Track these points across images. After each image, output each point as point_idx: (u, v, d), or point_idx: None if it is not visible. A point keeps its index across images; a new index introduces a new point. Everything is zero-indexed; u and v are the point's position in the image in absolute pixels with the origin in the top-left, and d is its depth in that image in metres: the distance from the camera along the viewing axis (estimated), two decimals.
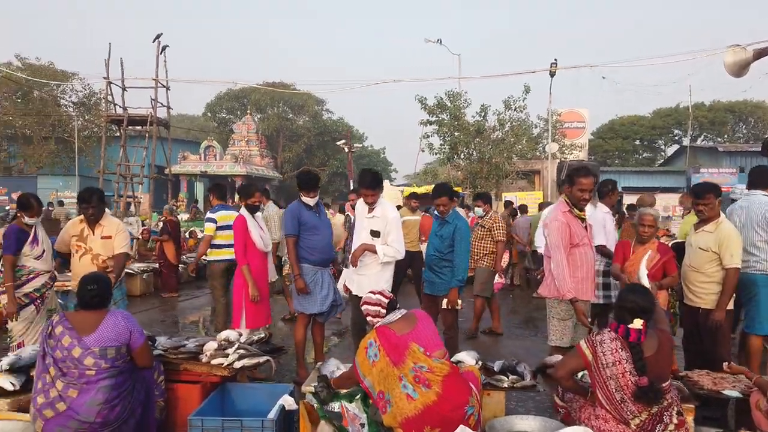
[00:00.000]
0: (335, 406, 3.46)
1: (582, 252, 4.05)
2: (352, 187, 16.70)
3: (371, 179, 4.70)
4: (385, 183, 23.37)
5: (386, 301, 3.55)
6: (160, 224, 13.87)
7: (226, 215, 6.36)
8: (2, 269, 4.60)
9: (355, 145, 31.82)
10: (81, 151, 26.41)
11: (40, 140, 27.91)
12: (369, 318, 3.56)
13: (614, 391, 2.98)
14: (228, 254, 6.24)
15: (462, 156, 25.32)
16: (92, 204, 4.73)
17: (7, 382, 3.46)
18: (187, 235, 13.02)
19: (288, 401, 3.57)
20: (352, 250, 4.98)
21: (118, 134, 24.42)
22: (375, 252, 4.65)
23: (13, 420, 3.35)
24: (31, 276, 4.61)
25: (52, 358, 3.13)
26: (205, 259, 6.54)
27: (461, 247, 4.93)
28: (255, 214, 5.15)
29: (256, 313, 4.94)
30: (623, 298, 3.13)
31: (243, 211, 5.06)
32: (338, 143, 29.09)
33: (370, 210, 4.76)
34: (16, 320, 4.52)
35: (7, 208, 22.65)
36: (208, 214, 6.54)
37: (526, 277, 11.28)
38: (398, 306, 3.60)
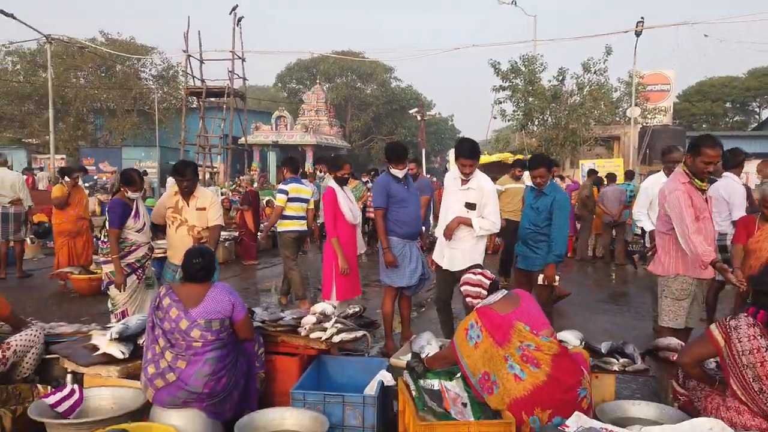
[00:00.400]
0: (434, 383, 3.37)
1: (702, 227, 3.71)
2: (424, 157, 16.43)
3: (471, 148, 4.47)
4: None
5: (488, 282, 3.40)
6: (229, 193, 14.27)
7: (298, 188, 6.72)
8: (106, 240, 4.76)
9: (417, 113, 31.36)
10: (160, 123, 27.49)
11: (123, 113, 29.27)
12: (469, 299, 3.42)
13: (751, 381, 2.71)
14: (297, 225, 6.69)
15: (536, 122, 24.44)
16: (187, 177, 4.82)
17: (117, 351, 3.57)
18: (264, 203, 13.30)
19: (386, 377, 3.51)
20: (441, 223, 4.83)
21: (194, 105, 25.18)
22: (470, 225, 4.46)
23: (125, 387, 3.46)
24: (132, 248, 4.76)
25: (161, 330, 3.19)
26: (275, 229, 6.83)
27: (560, 221, 4.67)
28: (343, 187, 5.06)
29: (346, 285, 4.92)
30: (762, 281, 2.82)
31: (332, 183, 5.01)
32: (411, 112, 28.76)
33: (465, 182, 4.55)
34: (124, 290, 4.70)
35: (95, 177, 23.99)
36: (280, 186, 6.89)
37: (610, 249, 10.78)
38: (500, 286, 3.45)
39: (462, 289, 3.46)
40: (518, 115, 24.37)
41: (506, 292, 3.43)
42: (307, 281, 6.97)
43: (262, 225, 10.65)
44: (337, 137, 32.33)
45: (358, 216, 5.09)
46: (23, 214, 8.04)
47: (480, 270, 3.50)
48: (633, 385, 4.27)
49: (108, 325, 4.46)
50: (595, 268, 10.29)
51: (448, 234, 4.48)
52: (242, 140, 21.39)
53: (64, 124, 28.65)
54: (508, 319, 3.17)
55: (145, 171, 21.97)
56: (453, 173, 4.82)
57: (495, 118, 25.00)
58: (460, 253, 4.55)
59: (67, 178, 7.50)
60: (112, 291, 4.76)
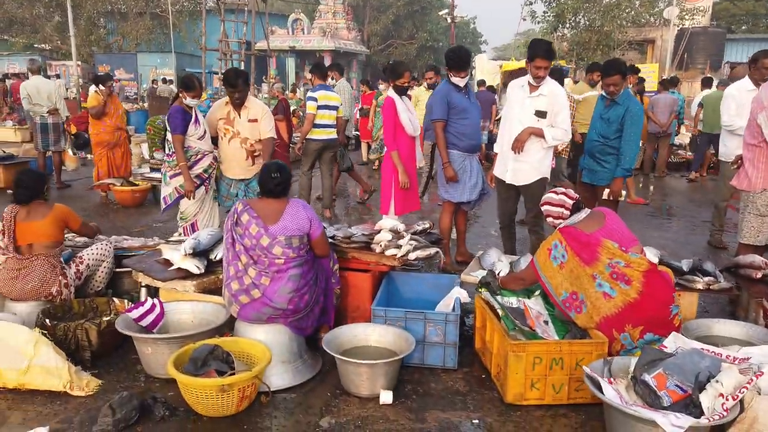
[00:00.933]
0: (512, 301, 3.34)
1: None
2: None
3: (548, 48, 4.18)
4: (483, 57, 22.00)
5: (571, 202, 3.29)
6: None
7: (326, 95, 6.63)
8: (170, 153, 4.62)
9: (447, 15, 29.80)
10: (174, 27, 26.45)
11: (134, 16, 28.13)
12: (550, 220, 3.32)
13: None
14: (324, 134, 6.68)
15: (568, 25, 23.23)
16: (238, 88, 4.60)
17: (193, 266, 3.56)
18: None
19: (462, 294, 3.49)
20: (503, 135, 4.61)
21: (208, 7, 23.94)
22: (541, 136, 4.25)
23: (203, 302, 3.48)
24: (198, 157, 4.63)
25: (243, 246, 3.13)
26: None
27: (631, 133, 4.43)
28: (403, 97, 4.80)
29: (404, 200, 4.80)
30: None
31: (391, 92, 4.74)
32: (441, 13, 27.41)
33: (534, 88, 4.28)
34: (194, 198, 4.62)
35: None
36: (309, 93, 6.81)
37: (652, 162, 10.50)
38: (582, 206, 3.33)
39: (543, 209, 3.35)
40: (549, 16, 23.15)
41: (589, 210, 3.33)
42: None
43: (294, 136, 10.44)
44: (355, 42, 31.06)
45: (418, 128, 4.88)
46: (61, 124, 7.89)
47: (562, 190, 3.38)
48: (701, 302, 4.21)
49: (171, 239, 4.46)
50: (636, 181, 10.04)
51: (519, 146, 4.28)
52: (262, 45, 20.44)
53: (76, 28, 27.63)
54: (595, 237, 3.08)
55: (164, 78, 21.51)
56: (519, 81, 4.55)
57: (524, 19, 23.81)
58: (527, 166, 4.37)
59: (101, 87, 7.26)
60: (183, 203, 4.68)
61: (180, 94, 4.62)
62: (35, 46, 28.68)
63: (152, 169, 7.87)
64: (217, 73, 17.25)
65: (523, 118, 4.34)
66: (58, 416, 2.75)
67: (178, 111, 4.54)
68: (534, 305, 3.28)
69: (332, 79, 8.09)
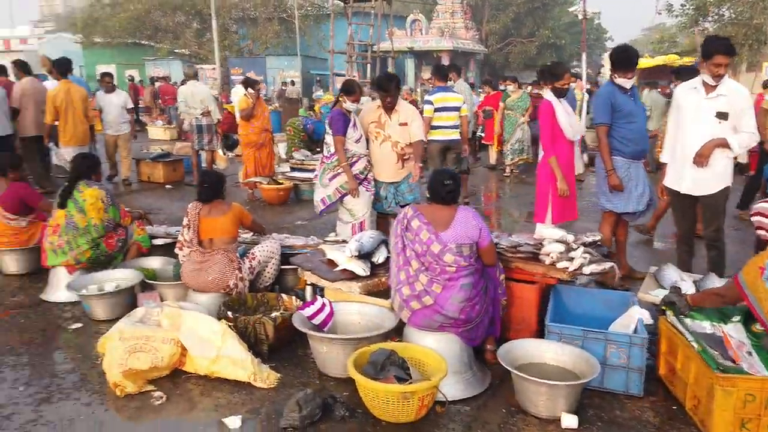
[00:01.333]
0: (705, 326, 3.03)
1: None
2: (584, 63, 14.95)
3: (728, 44, 3.81)
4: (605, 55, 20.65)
5: None
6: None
7: (444, 97, 6.67)
8: (328, 155, 4.75)
9: (572, 10, 28.55)
10: (300, 31, 27.70)
11: (264, 21, 29.79)
12: (762, 233, 2.98)
13: None
14: (444, 135, 6.73)
15: (710, 18, 21.37)
16: (391, 93, 4.65)
17: (359, 268, 3.60)
18: None
19: (644, 314, 3.22)
20: (675, 143, 4.22)
21: (328, 12, 24.72)
22: (727, 147, 3.85)
23: (368, 304, 3.50)
24: (354, 159, 4.72)
25: (413, 252, 3.12)
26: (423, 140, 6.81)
27: None
28: (561, 99, 4.57)
29: (562, 208, 4.58)
30: None
31: (549, 95, 4.54)
32: (571, 10, 26.43)
33: (712, 88, 3.88)
34: (358, 196, 4.71)
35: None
36: (426, 96, 6.97)
37: None
38: None
39: (754, 219, 3.05)
40: (688, 10, 21.44)
41: None
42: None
43: None
44: (473, 41, 30.68)
45: (579, 131, 4.63)
46: (214, 125, 8.46)
47: None
48: None
49: (328, 239, 4.58)
50: None
51: (703, 160, 3.89)
52: (386, 47, 20.83)
53: (210, 34, 29.79)
54: None
55: (292, 81, 22.52)
56: (689, 84, 4.15)
57: (660, 13, 22.25)
58: (709, 175, 3.97)
59: (250, 90, 7.67)
60: (349, 202, 4.76)
61: (340, 98, 4.73)
62: (176, 51, 31.30)
63: (292, 168, 8.21)
64: (343, 75, 17.73)
65: (702, 122, 3.95)
66: (245, 406, 2.89)
67: (339, 114, 4.66)
68: (734, 333, 2.95)
69: (450, 80, 8.03)
